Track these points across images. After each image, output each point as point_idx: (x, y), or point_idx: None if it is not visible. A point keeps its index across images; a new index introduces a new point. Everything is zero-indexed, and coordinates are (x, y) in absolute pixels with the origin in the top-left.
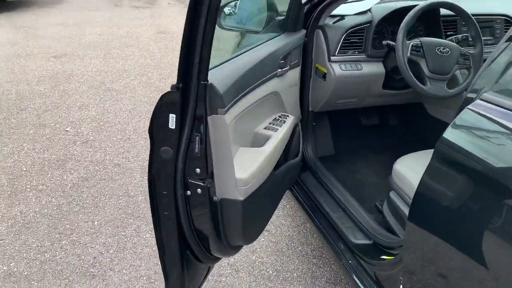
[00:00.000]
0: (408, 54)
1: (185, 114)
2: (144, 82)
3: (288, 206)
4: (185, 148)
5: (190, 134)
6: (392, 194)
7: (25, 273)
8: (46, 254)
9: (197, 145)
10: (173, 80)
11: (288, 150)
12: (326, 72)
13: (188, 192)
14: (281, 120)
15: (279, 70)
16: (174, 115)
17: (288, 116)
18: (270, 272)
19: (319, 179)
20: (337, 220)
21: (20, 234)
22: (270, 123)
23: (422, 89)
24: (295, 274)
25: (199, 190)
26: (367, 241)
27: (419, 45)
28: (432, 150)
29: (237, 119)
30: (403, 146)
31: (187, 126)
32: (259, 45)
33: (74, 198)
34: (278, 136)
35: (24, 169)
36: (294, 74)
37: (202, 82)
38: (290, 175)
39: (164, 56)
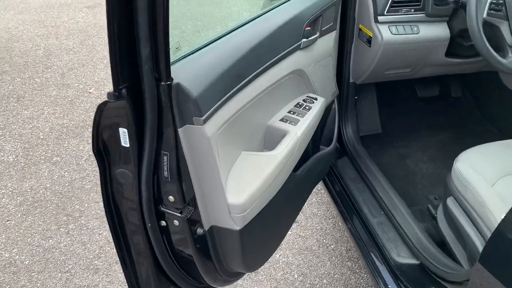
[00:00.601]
0: (485, 14)
1: (141, 127)
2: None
3: (323, 191)
4: (148, 172)
5: (153, 153)
6: (450, 201)
7: (27, 262)
8: (50, 240)
9: (165, 167)
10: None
11: (319, 136)
12: (371, 36)
13: (163, 223)
14: (305, 106)
15: (304, 40)
16: (125, 130)
17: (316, 98)
18: (296, 276)
19: (359, 168)
20: (376, 226)
21: (28, 215)
22: (290, 112)
23: (500, 63)
24: (324, 281)
25: (176, 222)
26: (413, 261)
27: (501, 2)
28: (510, 142)
29: (230, 122)
30: (468, 125)
31: (147, 143)
32: (267, 11)
33: (88, 173)
34: (299, 130)
35: (41, 137)
36: (327, 42)
37: (162, 83)
38: (319, 169)
39: None
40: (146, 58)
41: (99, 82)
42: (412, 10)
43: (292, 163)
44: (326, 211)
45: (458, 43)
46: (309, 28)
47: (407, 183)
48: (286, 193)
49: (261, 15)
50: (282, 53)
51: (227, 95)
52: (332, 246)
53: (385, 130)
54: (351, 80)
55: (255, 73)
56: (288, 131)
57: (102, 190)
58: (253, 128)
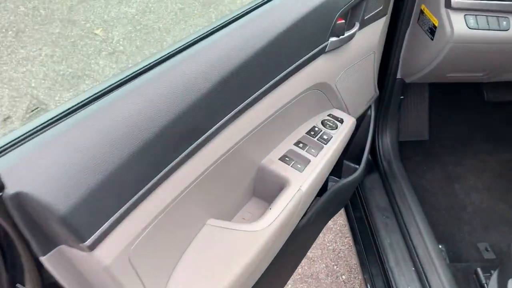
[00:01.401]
0: None
1: None
2: None
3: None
4: None
5: None
6: None
7: None
8: None
9: None
10: None
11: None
12: (436, 25)
13: None
14: (323, 135)
15: (333, 40)
16: None
17: (342, 120)
18: None
19: (391, 194)
20: (400, 282)
21: None
22: (299, 143)
23: None
24: None
25: None
26: None
27: None
28: None
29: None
30: None
31: None
32: (262, 2)
33: None
34: (306, 182)
35: (33, 84)
36: (371, 35)
37: None
38: (336, 203)
39: None
40: None
41: (108, 22)
42: None
43: (290, 232)
44: (343, 226)
45: None
46: (343, 20)
47: (451, 220)
48: (277, 260)
49: (250, 11)
50: (293, 66)
51: (155, 180)
52: (343, 277)
53: (433, 138)
54: (398, 76)
55: (233, 112)
56: (289, 182)
57: None
58: (233, 174)
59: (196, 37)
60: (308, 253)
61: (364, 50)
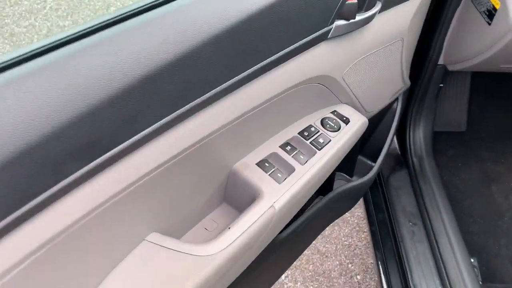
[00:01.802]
0: None
1: None
2: None
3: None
4: None
5: None
6: None
7: None
8: None
9: None
10: None
11: (357, 148)
12: (497, 7)
13: None
14: (318, 137)
15: (339, 24)
16: None
17: (348, 119)
18: None
19: (420, 197)
20: None
21: None
22: (286, 146)
23: None
24: None
25: None
26: None
27: None
28: None
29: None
30: None
31: None
32: None
33: None
34: (283, 198)
35: (35, 40)
36: (397, 18)
37: None
38: (337, 209)
39: None
40: None
41: None
42: None
43: (258, 253)
44: (361, 219)
45: None
46: None
47: (486, 228)
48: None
49: None
50: (281, 54)
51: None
52: (358, 277)
53: (471, 130)
54: (441, 62)
55: (194, 103)
56: (261, 195)
57: None
58: (196, 176)
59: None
60: (321, 248)
61: (386, 37)
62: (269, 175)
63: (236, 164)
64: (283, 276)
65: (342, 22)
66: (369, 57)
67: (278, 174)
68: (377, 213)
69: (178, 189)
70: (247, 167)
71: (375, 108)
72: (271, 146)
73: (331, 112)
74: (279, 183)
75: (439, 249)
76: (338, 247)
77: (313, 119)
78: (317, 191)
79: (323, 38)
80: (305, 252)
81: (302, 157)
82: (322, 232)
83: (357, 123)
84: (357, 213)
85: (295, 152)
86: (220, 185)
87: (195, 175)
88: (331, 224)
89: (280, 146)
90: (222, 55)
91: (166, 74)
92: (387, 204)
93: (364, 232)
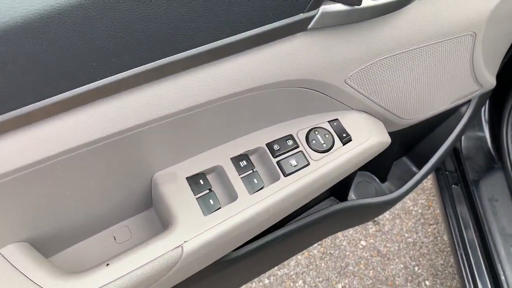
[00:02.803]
0: None
1: None
2: None
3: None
4: None
5: None
6: None
7: None
8: None
9: None
10: None
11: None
12: None
13: None
14: (294, 154)
15: (329, 9)
16: None
17: (350, 137)
18: None
19: None
20: None
21: None
22: (238, 160)
23: None
24: None
25: None
26: None
27: None
28: None
29: None
30: None
31: None
32: None
33: None
34: (200, 238)
35: None
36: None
37: None
38: (347, 221)
39: None
40: None
41: None
42: None
43: None
44: (425, 208)
45: None
46: None
47: None
48: None
49: None
50: (223, 43)
51: None
52: (427, 283)
53: None
54: None
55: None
56: (174, 225)
57: None
58: (105, 176)
59: None
60: (381, 248)
61: (436, 30)
62: (197, 198)
63: (159, 172)
64: (339, 286)
65: (336, 7)
66: (401, 56)
67: (210, 201)
68: (466, 230)
69: (70, 185)
70: (173, 180)
71: (421, 115)
72: (220, 155)
73: (329, 122)
74: (206, 214)
75: None
76: (401, 246)
77: (297, 128)
78: (329, 189)
79: (299, 27)
80: (363, 254)
81: (255, 181)
82: (381, 228)
83: (364, 144)
84: (420, 201)
85: (249, 172)
86: (146, 188)
87: (105, 171)
88: (390, 218)
89: (232, 159)
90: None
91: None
92: (480, 221)
93: (431, 225)
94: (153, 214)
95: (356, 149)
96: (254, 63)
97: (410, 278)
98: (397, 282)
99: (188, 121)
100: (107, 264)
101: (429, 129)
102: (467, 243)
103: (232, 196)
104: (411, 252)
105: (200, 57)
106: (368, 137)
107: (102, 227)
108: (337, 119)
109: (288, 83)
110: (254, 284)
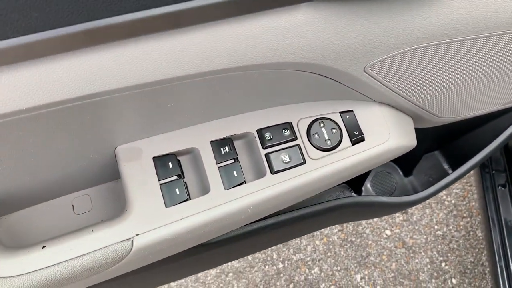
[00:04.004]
0: None
1: None
2: None
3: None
4: None
5: None
6: None
7: None
8: None
9: None
10: None
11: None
12: None
13: None
14: (288, 149)
15: None
16: None
17: (363, 136)
18: None
19: None
20: None
21: None
22: (220, 145)
23: None
24: None
25: None
26: None
27: None
28: None
29: None
30: None
31: None
32: None
33: None
34: (163, 231)
35: None
36: None
37: None
38: (360, 214)
39: None
40: None
41: None
42: None
43: None
44: (459, 199)
45: None
46: None
47: None
48: None
49: None
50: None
51: None
52: (453, 281)
53: None
54: None
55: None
56: (128, 212)
57: None
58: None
59: None
60: (407, 239)
61: (491, 20)
62: (161, 184)
63: (123, 145)
64: (358, 278)
65: None
66: (445, 46)
67: (177, 190)
68: (509, 241)
69: (26, 146)
70: (137, 158)
71: (462, 115)
72: (198, 136)
73: (341, 113)
74: (168, 205)
75: None
76: (428, 238)
77: (299, 115)
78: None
79: None
80: (386, 245)
81: (235, 174)
82: (409, 218)
83: (379, 147)
84: (455, 191)
85: (229, 162)
86: (109, 160)
87: (64, 136)
88: (420, 207)
89: (213, 142)
90: None
91: None
92: None
93: (464, 218)
94: (115, 186)
95: (368, 152)
96: (243, 36)
97: (435, 274)
98: (420, 278)
99: (164, 92)
100: (43, 247)
101: (471, 126)
102: (509, 255)
103: (204, 188)
104: (439, 246)
105: (176, 16)
106: (387, 139)
107: (61, 193)
108: (351, 110)
109: (288, 66)
110: (267, 267)
